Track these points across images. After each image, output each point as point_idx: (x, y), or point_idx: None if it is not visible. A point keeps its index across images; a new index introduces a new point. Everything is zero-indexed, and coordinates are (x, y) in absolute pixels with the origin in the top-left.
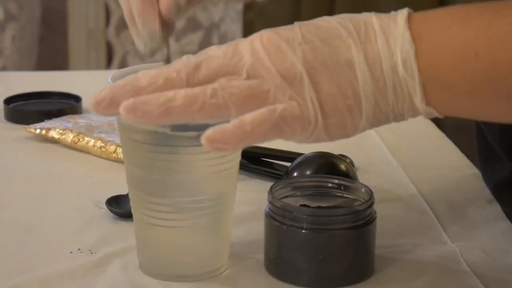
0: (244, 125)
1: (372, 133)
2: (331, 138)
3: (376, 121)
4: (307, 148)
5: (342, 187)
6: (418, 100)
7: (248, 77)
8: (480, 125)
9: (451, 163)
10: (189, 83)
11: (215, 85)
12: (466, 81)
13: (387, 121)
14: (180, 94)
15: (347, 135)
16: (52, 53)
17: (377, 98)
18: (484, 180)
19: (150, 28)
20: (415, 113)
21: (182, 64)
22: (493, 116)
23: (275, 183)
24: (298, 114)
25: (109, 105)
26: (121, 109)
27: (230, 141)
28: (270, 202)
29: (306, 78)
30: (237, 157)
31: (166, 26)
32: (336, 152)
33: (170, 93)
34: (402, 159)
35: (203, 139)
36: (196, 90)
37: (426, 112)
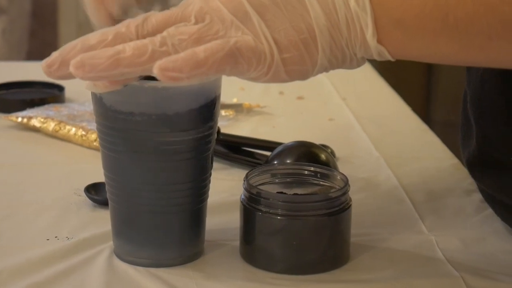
0: (197, 54)
1: (355, 125)
2: (289, 75)
3: (334, 58)
4: (288, 138)
5: (318, 175)
6: (369, 35)
7: (197, 22)
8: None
9: (433, 155)
10: (139, 36)
11: (164, 33)
12: (415, 15)
13: (344, 58)
14: (130, 46)
15: (306, 72)
16: (42, 46)
17: (331, 31)
18: (463, 157)
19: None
20: (366, 50)
21: (131, 19)
22: (442, 55)
23: (250, 170)
24: (252, 45)
25: (60, 67)
26: (71, 67)
27: (183, 70)
28: (245, 189)
29: (255, 14)
30: (211, 143)
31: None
32: (318, 142)
33: (119, 46)
34: (384, 151)
35: (154, 68)
36: (145, 40)
37: (377, 50)
